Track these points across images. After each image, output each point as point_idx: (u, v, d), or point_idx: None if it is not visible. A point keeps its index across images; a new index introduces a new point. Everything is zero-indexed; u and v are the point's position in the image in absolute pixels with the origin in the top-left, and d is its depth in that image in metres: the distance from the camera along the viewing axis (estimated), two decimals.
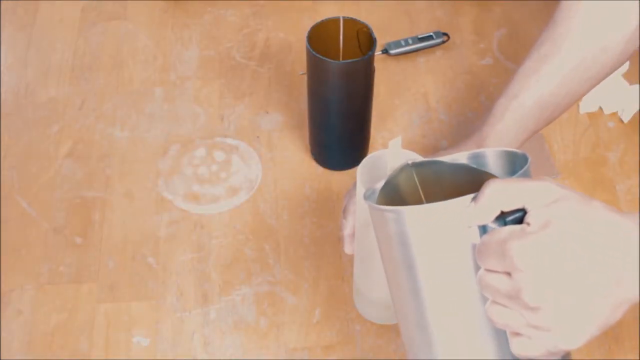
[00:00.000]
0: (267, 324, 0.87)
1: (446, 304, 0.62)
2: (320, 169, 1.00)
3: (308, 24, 1.12)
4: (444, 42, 1.14)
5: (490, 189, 0.57)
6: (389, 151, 0.74)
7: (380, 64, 1.10)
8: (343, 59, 0.94)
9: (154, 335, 0.86)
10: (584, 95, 0.86)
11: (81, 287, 0.90)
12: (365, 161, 0.76)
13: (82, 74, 1.11)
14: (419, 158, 0.76)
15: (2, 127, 1.05)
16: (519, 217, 0.57)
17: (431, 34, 1.13)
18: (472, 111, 1.05)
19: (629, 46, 0.84)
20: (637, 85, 1.05)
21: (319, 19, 0.92)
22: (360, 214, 0.76)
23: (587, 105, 1.05)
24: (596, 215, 0.56)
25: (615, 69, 0.86)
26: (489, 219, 0.58)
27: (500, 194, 0.57)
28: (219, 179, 0.99)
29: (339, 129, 0.96)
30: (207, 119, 1.05)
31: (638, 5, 0.82)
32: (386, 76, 1.10)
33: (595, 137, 1.03)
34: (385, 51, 1.12)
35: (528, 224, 0.56)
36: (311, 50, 0.89)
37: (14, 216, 0.96)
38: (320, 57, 0.88)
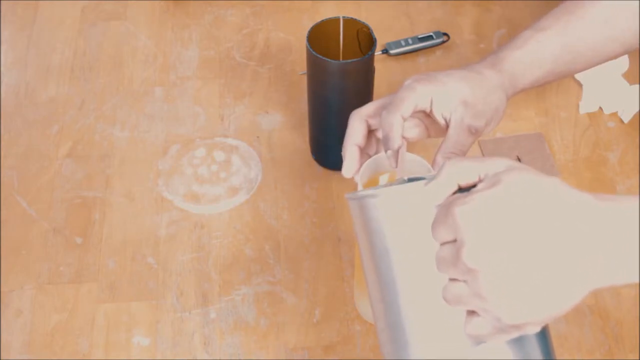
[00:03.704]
0: (267, 324, 0.87)
1: (419, 289, 0.59)
2: (320, 169, 1.00)
3: (308, 24, 1.12)
4: (444, 42, 1.14)
5: (448, 165, 0.57)
6: (390, 155, 0.74)
7: (380, 64, 1.10)
8: (343, 59, 0.94)
9: (154, 335, 0.86)
10: (607, 57, 0.85)
11: (81, 287, 0.90)
12: (366, 164, 0.76)
13: (82, 74, 1.11)
14: (419, 160, 0.76)
15: (2, 127, 1.05)
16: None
17: (431, 34, 1.13)
18: None
19: None
20: (637, 85, 1.05)
21: (319, 19, 0.92)
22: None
23: (587, 105, 1.05)
24: (554, 187, 0.54)
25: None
26: (447, 194, 0.56)
27: (457, 169, 0.56)
28: (219, 179, 0.99)
29: (339, 129, 0.96)
30: (207, 119, 1.05)
31: None
32: (386, 76, 1.10)
33: (595, 137, 1.03)
34: (385, 51, 1.12)
35: (476, 189, 0.55)
36: (311, 50, 0.89)
37: (14, 216, 0.96)
38: (320, 57, 0.88)
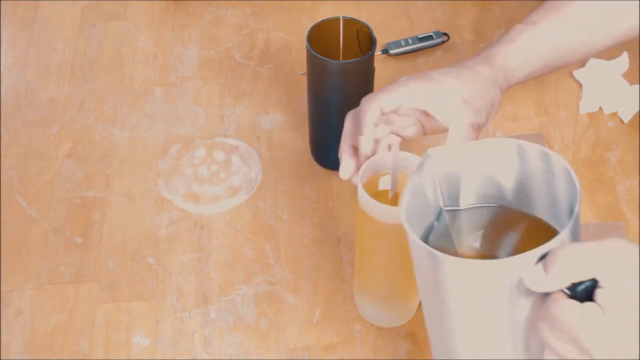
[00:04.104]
0: (267, 324, 0.87)
1: (476, 342, 0.63)
2: (320, 169, 1.00)
3: (308, 24, 1.12)
4: (444, 42, 1.14)
5: (563, 259, 0.55)
6: (390, 153, 0.74)
7: (380, 64, 1.10)
8: (343, 59, 0.94)
9: (154, 335, 0.86)
10: (598, 50, 0.86)
11: (81, 287, 0.90)
12: (366, 164, 0.76)
13: (82, 74, 1.11)
14: (413, 157, 0.76)
15: (2, 127, 1.05)
16: (589, 287, 0.55)
17: (431, 34, 1.13)
18: None
19: None
20: (637, 85, 1.05)
21: (319, 19, 0.92)
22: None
23: (587, 105, 1.05)
24: None
25: (634, 34, 0.86)
26: (558, 288, 0.56)
27: (573, 264, 0.55)
28: (219, 179, 0.99)
29: (339, 129, 0.96)
30: (207, 119, 1.05)
31: None
32: (386, 76, 1.10)
33: (595, 137, 1.03)
34: (385, 51, 1.12)
35: (602, 307, 0.54)
36: (311, 50, 0.89)
37: (14, 216, 0.96)
38: (320, 57, 0.88)
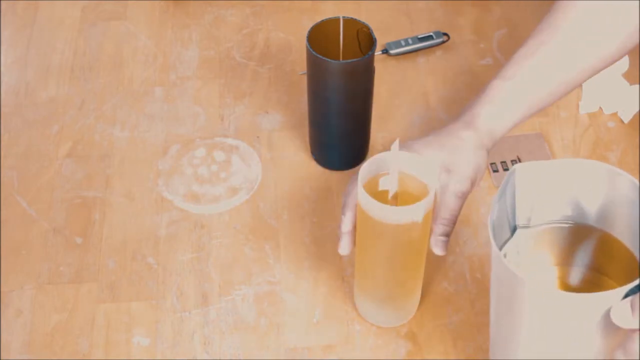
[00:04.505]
0: (267, 324, 0.87)
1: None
2: (320, 169, 1.00)
3: (308, 24, 1.12)
4: (444, 42, 1.14)
5: None
6: (390, 153, 0.74)
7: (380, 64, 1.10)
8: (343, 59, 0.94)
9: (154, 335, 0.86)
10: (577, 85, 0.86)
11: (81, 287, 0.90)
12: (366, 164, 0.76)
13: (82, 74, 1.11)
14: (417, 158, 0.77)
15: (2, 127, 1.05)
16: None
17: (431, 34, 1.13)
18: None
19: (626, 44, 0.85)
20: (637, 85, 1.05)
21: (319, 19, 0.92)
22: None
23: (587, 105, 1.05)
24: None
25: (611, 63, 0.86)
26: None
27: None
28: (219, 179, 0.99)
29: (339, 129, 0.96)
30: (207, 119, 1.05)
31: (637, 6, 0.83)
32: (386, 76, 1.10)
33: (595, 137, 1.03)
34: (385, 51, 1.12)
35: None
36: (311, 50, 0.89)
37: (14, 216, 0.96)
38: (321, 57, 0.88)
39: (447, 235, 0.80)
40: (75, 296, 0.89)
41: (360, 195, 0.75)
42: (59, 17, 1.18)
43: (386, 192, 0.77)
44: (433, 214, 0.79)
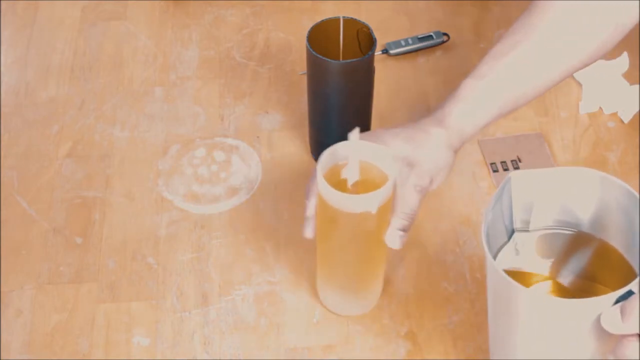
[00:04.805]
0: (267, 324, 0.87)
1: None
2: None
3: (308, 24, 1.12)
4: (444, 42, 1.14)
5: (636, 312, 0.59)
6: (349, 143, 0.74)
7: (380, 64, 1.10)
8: (343, 59, 0.94)
9: (154, 335, 0.86)
10: (552, 85, 0.86)
11: (81, 287, 0.90)
12: (326, 152, 0.76)
13: (82, 74, 1.11)
14: (378, 148, 0.77)
15: (2, 127, 1.05)
16: None
17: (431, 34, 1.13)
18: None
19: (605, 45, 0.85)
20: (637, 85, 1.05)
21: (319, 19, 0.92)
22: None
23: (587, 105, 1.05)
24: None
25: (589, 63, 0.86)
26: (633, 333, 0.60)
27: None
28: (219, 179, 0.99)
29: (339, 129, 0.96)
30: (207, 119, 1.05)
31: (615, 7, 0.83)
32: (386, 76, 1.10)
33: (595, 137, 1.03)
34: (385, 51, 1.12)
35: None
36: (311, 50, 0.89)
37: (14, 216, 0.96)
38: (321, 57, 0.88)
39: (405, 229, 0.80)
40: (75, 296, 0.89)
41: (319, 182, 0.75)
42: (59, 17, 1.18)
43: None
44: (392, 207, 0.79)
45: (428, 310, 0.88)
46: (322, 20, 0.91)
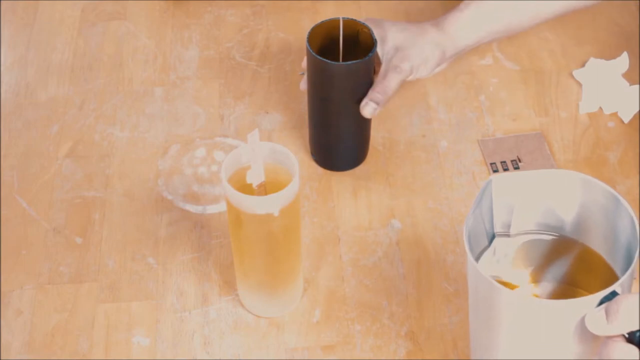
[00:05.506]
0: (267, 324, 0.87)
1: None
2: (320, 170, 1.00)
3: (308, 24, 1.12)
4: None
5: (626, 308, 0.59)
6: (247, 144, 0.74)
7: None
8: (343, 60, 0.94)
9: (154, 335, 0.86)
10: (544, 18, 0.97)
11: (81, 287, 0.90)
12: (228, 157, 0.77)
13: (82, 74, 1.11)
14: (280, 148, 0.78)
15: (2, 127, 1.05)
16: None
17: None
18: (472, 111, 1.05)
19: None
20: (637, 86, 1.05)
21: (319, 19, 0.92)
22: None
23: (587, 105, 1.05)
24: None
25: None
26: (618, 334, 0.60)
27: (633, 314, 0.59)
28: (219, 179, 0.99)
29: (340, 130, 0.96)
30: (207, 119, 1.05)
31: None
32: None
33: (595, 137, 1.03)
34: None
35: None
36: (311, 51, 0.89)
37: (14, 216, 0.96)
38: (321, 58, 0.88)
39: (377, 102, 0.90)
40: (75, 296, 0.89)
41: (224, 187, 0.76)
42: (59, 17, 1.18)
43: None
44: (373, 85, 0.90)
45: (428, 310, 0.88)
46: (322, 21, 0.91)
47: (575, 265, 0.73)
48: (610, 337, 0.61)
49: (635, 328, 0.59)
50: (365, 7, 1.18)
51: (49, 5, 1.20)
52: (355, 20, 0.91)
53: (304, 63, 0.95)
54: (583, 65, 1.09)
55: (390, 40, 0.94)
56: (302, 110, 1.05)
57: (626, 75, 1.07)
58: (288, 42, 1.14)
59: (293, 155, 0.77)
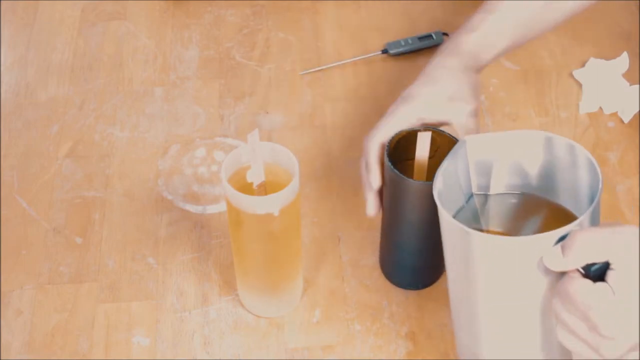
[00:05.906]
0: (267, 324, 0.87)
1: (500, 318, 0.68)
2: (320, 170, 1.00)
3: (308, 24, 1.12)
4: (444, 42, 1.13)
5: (580, 241, 0.60)
6: (247, 144, 0.74)
7: (380, 64, 1.10)
8: (418, 173, 0.82)
9: (154, 335, 0.86)
10: (558, 24, 0.92)
11: (81, 287, 0.90)
12: (227, 159, 0.77)
13: (82, 74, 1.11)
14: (280, 148, 0.78)
15: (2, 127, 1.05)
16: (602, 268, 0.60)
17: (431, 34, 1.13)
18: None
19: None
20: (637, 86, 1.05)
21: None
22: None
23: (587, 105, 1.05)
24: None
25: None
26: (574, 268, 0.61)
27: (589, 247, 0.60)
28: (219, 179, 0.99)
29: (416, 249, 0.86)
30: (207, 119, 1.05)
31: None
32: (386, 76, 1.10)
33: (595, 137, 1.03)
34: (385, 51, 1.12)
35: (612, 288, 0.58)
36: (391, 167, 0.78)
37: (14, 216, 0.96)
38: (402, 175, 0.77)
39: None
40: (75, 296, 0.89)
41: (224, 187, 0.76)
42: (59, 17, 1.18)
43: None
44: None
45: (428, 310, 0.88)
46: (401, 131, 0.81)
47: (545, 220, 0.75)
48: (567, 273, 0.61)
49: (590, 261, 0.60)
50: (365, 7, 1.18)
51: (49, 5, 1.20)
52: (438, 130, 0.80)
53: (375, 178, 0.82)
54: (583, 65, 1.09)
55: (434, 98, 0.83)
56: (302, 110, 1.05)
57: (626, 75, 1.07)
58: (288, 42, 1.14)
59: (293, 155, 0.77)
